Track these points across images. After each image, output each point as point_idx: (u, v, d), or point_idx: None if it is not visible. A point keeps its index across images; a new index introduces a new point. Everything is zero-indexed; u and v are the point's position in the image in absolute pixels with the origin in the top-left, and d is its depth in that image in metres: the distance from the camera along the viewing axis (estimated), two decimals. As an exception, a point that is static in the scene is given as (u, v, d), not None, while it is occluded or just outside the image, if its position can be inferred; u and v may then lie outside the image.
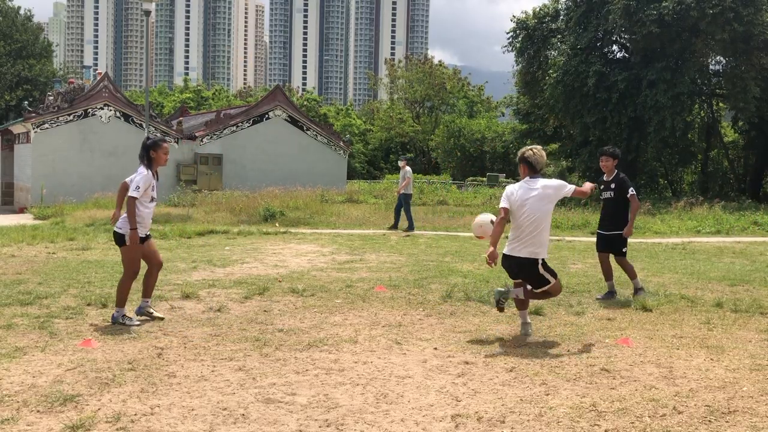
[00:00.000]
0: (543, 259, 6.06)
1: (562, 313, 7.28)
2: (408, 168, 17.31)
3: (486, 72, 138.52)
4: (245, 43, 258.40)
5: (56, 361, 5.21)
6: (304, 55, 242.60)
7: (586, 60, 30.05)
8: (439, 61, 62.68)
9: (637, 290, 8.19)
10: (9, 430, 3.89)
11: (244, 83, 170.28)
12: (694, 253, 13.22)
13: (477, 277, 9.49)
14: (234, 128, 28.12)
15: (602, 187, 8.35)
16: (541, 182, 6.10)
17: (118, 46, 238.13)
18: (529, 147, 6.31)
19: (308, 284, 8.79)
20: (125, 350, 5.58)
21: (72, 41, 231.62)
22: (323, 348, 5.77)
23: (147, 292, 6.79)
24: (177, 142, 26.60)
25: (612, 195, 8.22)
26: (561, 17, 34.32)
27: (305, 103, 62.33)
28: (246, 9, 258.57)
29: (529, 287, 6.12)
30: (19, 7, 48.15)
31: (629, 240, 8.51)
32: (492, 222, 6.42)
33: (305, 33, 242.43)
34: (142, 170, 6.53)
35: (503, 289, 6.21)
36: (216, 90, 72.06)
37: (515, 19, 35.38)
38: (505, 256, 6.17)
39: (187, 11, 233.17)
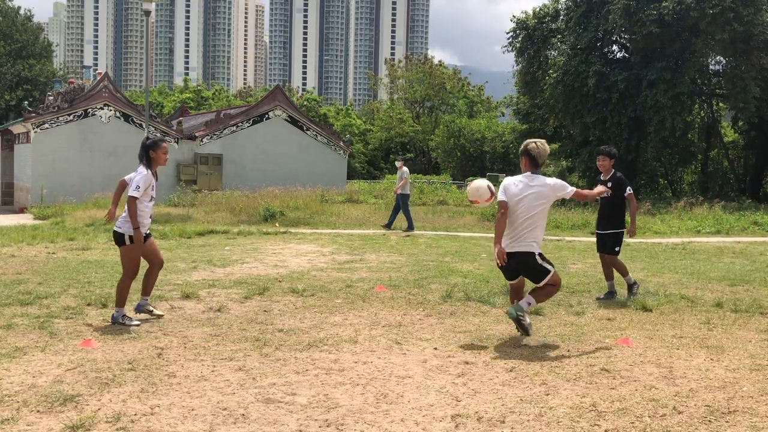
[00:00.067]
0: (539, 252, 6.05)
1: (562, 313, 7.28)
2: (405, 168, 17.25)
3: (486, 72, 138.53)
4: (245, 43, 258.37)
5: (56, 361, 5.21)
6: (304, 55, 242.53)
7: (586, 60, 30.06)
8: (439, 61, 62.63)
9: (631, 286, 8.17)
10: (9, 430, 3.89)
11: (244, 83, 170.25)
12: (694, 253, 13.22)
13: (477, 277, 9.49)
14: (234, 128, 28.11)
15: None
16: (541, 180, 6.07)
17: (118, 46, 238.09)
18: (533, 140, 6.28)
19: (308, 284, 8.79)
20: (125, 350, 5.58)
21: (72, 41, 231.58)
22: (323, 348, 5.77)
23: (146, 291, 6.80)
24: (177, 142, 26.60)
25: (609, 194, 8.23)
26: (561, 17, 34.34)
27: (305, 103, 62.32)
28: (246, 9, 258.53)
29: (534, 286, 6.10)
30: (19, 7, 48.16)
31: (630, 240, 8.50)
32: (489, 188, 6.37)
33: (305, 33, 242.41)
34: (142, 170, 6.53)
35: (513, 307, 6.02)
36: (216, 90, 72.06)
37: (515, 19, 35.42)
38: None
39: (187, 11, 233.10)
